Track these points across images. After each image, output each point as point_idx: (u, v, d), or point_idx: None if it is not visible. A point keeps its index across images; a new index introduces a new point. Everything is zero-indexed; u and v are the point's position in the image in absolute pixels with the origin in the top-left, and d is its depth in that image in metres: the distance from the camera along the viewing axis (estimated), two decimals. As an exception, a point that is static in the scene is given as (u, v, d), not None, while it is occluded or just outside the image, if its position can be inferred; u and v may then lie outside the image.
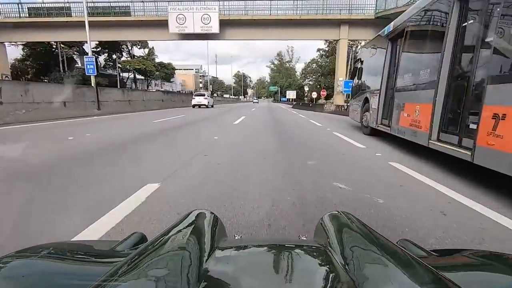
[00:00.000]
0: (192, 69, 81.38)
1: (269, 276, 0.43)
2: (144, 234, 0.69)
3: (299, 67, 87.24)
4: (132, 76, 39.29)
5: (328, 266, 0.46)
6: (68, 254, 0.56)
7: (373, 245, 0.50)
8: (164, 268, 0.40)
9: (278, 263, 0.48)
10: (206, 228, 0.58)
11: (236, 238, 0.78)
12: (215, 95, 64.77)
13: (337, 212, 0.68)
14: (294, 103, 27.53)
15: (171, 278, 0.38)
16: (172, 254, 0.45)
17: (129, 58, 36.90)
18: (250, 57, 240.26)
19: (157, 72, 40.51)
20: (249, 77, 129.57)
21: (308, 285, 0.40)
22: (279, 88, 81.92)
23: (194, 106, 23.75)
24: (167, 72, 42.38)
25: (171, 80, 55.30)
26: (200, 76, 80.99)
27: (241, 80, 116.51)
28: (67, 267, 0.51)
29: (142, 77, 41.91)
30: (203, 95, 24.94)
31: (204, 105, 23.79)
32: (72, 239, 1.52)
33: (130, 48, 37.32)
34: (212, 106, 25.81)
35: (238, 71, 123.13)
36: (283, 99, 79.26)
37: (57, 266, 0.50)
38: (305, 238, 0.79)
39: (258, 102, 73.19)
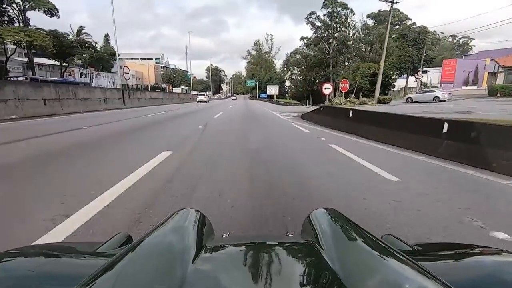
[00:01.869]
0: (152, 59, 66.58)
1: (259, 274, 0.43)
2: (129, 234, 0.68)
3: (278, 64, 75.96)
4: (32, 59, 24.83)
5: (316, 262, 0.46)
6: (50, 256, 0.55)
7: (358, 240, 0.52)
8: (151, 269, 0.39)
9: (268, 261, 0.48)
10: (193, 227, 0.58)
11: (224, 236, 0.73)
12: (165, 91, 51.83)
13: (323, 209, 0.69)
14: (317, 106, 12.37)
15: (158, 279, 0.37)
16: (158, 254, 0.44)
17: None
18: (226, 53, 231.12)
19: (75, 55, 26.72)
20: (223, 71, 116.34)
21: (298, 281, 0.41)
22: (257, 83, 69.99)
23: (198, 102, 35.69)
24: (92, 54, 28.55)
25: (112, 69, 40.90)
26: (162, 67, 66.64)
27: (214, 74, 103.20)
28: (49, 270, 0.49)
29: (56, 62, 27.60)
30: (203, 94, 42.88)
31: (204, 101, 36.68)
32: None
33: (22, 9, 22.74)
34: (208, 102, 36.46)
35: (211, 64, 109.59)
36: (263, 95, 67.60)
37: (39, 269, 0.49)
38: (292, 235, 0.78)
39: (236, 99, 67.29)
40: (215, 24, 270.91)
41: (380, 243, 0.51)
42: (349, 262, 0.43)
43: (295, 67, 62.76)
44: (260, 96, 68.34)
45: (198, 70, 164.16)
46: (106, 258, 0.45)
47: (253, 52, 79.55)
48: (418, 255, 0.57)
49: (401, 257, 0.44)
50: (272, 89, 54.46)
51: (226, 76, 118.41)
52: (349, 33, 56.25)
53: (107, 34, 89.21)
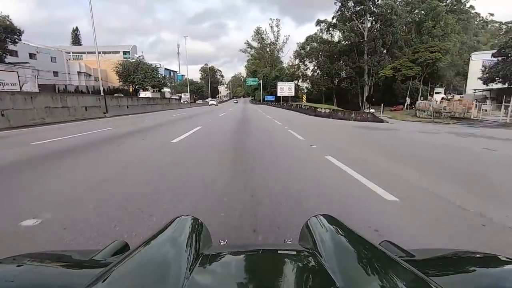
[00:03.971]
0: (118, 52, 49.78)
1: (257, 283, 0.43)
2: (126, 242, 0.67)
3: (285, 60, 59.15)
4: None
5: (316, 270, 0.46)
6: (46, 265, 0.54)
7: (356, 247, 0.52)
8: (146, 279, 0.39)
9: (266, 269, 0.48)
10: (191, 235, 0.58)
11: (222, 243, 0.76)
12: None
13: (321, 216, 0.69)
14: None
15: None
16: (154, 263, 0.44)
17: None
18: (226, 57, 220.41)
19: None
20: (220, 71, 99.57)
21: None
22: (261, 81, 52.94)
23: (210, 105, 40.66)
24: None
25: (11, 58, 23.98)
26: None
27: (208, 75, 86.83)
28: (44, 278, 0.48)
29: None
30: (214, 99, 48.21)
31: (214, 104, 40.75)
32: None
33: None
34: (216, 105, 40.96)
35: (206, 64, 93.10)
36: (269, 97, 50.65)
37: (34, 278, 0.48)
38: (290, 242, 0.80)
39: (237, 102, 63.06)
40: (215, 28, 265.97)
41: (378, 250, 0.51)
42: (348, 269, 0.43)
43: (313, 59, 45.54)
44: (265, 99, 51.22)
45: (196, 74, 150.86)
46: (101, 267, 0.44)
47: (255, 44, 62.72)
48: (415, 261, 0.57)
49: (400, 264, 0.45)
50: (285, 88, 37.64)
51: (223, 76, 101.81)
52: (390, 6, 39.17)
53: (76, 28, 70.50)
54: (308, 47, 47.24)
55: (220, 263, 0.49)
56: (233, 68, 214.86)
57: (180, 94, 43.62)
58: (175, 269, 0.42)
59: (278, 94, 39.64)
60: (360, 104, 44.41)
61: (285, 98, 39.08)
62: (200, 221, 0.65)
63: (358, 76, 42.39)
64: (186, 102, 35.65)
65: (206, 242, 0.59)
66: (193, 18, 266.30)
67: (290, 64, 57.13)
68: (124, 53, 51.07)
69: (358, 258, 0.48)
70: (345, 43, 43.92)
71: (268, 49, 60.94)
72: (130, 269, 0.42)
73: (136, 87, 35.70)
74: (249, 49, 63.75)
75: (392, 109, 41.01)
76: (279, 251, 0.57)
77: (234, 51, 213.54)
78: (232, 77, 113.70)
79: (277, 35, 60.39)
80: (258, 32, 60.94)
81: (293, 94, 39.69)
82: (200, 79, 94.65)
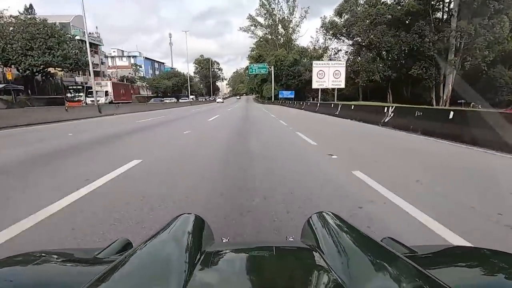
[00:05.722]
0: (55, 24, 32.49)
1: (260, 280, 0.43)
2: (129, 240, 0.68)
3: (303, 43, 42.26)
4: None
5: (318, 267, 0.46)
6: (49, 263, 0.55)
7: (358, 244, 0.53)
8: (149, 276, 0.40)
9: (268, 266, 0.49)
10: (193, 233, 0.58)
11: (224, 241, 0.74)
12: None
13: (323, 213, 0.70)
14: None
15: (157, 286, 0.38)
16: (157, 261, 0.44)
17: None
18: (230, 55, 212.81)
19: None
20: (217, 63, 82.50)
21: (300, 286, 0.41)
22: (272, 68, 35.44)
23: (217, 102, 47.12)
24: None
25: None
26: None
27: (204, 67, 70.15)
28: (48, 276, 0.48)
29: None
30: (220, 97, 60.00)
31: (221, 102, 48.52)
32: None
33: None
34: (223, 102, 47.56)
35: (201, 55, 76.13)
36: (285, 93, 33.70)
37: (38, 276, 0.48)
38: (292, 239, 0.79)
39: (240, 98, 64.94)
40: (219, 25, 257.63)
41: (380, 247, 0.51)
42: (350, 266, 0.43)
43: (359, 31, 28.11)
44: (280, 96, 33.88)
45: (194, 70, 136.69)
46: (105, 265, 0.45)
47: (261, 20, 45.16)
48: (417, 257, 0.57)
49: (402, 260, 0.45)
50: (328, 73, 20.40)
51: (221, 69, 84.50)
52: None
53: (30, 5, 52.42)
54: (349, 13, 29.68)
55: (222, 260, 0.49)
56: (237, 66, 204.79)
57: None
58: (178, 266, 0.42)
59: (315, 86, 22.35)
60: (434, 102, 27.23)
61: (328, 92, 21.94)
62: (202, 218, 0.65)
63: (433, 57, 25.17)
64: (100, 103, 17.14)
65: (209, 239, 0.60)
66: (197, 15, 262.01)
67: (311, 47, 39.88)
68: (64, 27, 33.30)
69: (360, 255, 0.48)
70: (415, 1, 26.45)
71: (280, 26, 43.47)
72: (133, 266, 0.42)
73: (21, 68, 18.25)
74: (253, 27, 46.28)
75: (507, 111, 24.04)
76: (281, 249, 0.57)
77: (238, 49, 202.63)
78: (234, 72, 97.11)
79: (293, 6, 42.84)
80: (263, 3, 43.08)
81: (343, 85, 22.40)
82: (194, 73, 77.95)
